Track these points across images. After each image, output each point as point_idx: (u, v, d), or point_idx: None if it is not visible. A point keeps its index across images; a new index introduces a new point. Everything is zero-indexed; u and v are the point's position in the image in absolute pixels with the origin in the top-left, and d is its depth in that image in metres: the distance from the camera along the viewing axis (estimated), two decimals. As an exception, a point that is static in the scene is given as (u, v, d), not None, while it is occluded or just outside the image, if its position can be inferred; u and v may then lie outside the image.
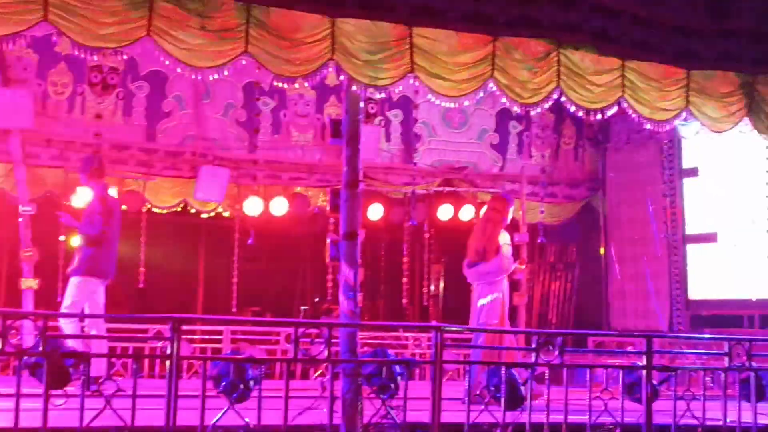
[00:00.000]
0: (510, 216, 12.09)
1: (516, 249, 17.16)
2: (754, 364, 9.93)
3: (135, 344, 13.53)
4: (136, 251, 15.91)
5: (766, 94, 10.14)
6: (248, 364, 7.86)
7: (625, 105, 9.55)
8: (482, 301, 11.90)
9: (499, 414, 8.46)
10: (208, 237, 18.86)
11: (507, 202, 12.16)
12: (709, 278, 13.75)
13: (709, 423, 9.33)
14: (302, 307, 19.65)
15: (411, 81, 8.70)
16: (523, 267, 12.24)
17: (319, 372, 14.02)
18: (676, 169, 17.63)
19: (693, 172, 17.44)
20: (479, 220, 12.89)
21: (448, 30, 8.64)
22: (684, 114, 9.86)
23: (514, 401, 8.66)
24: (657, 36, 9.51)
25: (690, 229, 17.35)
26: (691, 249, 17.28)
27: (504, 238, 11.97)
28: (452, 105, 9.47)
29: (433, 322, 8.90)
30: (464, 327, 12.10)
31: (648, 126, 9.99)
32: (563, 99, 9.26)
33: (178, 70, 8.45)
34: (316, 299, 19.63)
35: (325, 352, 8.08)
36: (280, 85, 8.97)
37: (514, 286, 17.14)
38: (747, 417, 9.45)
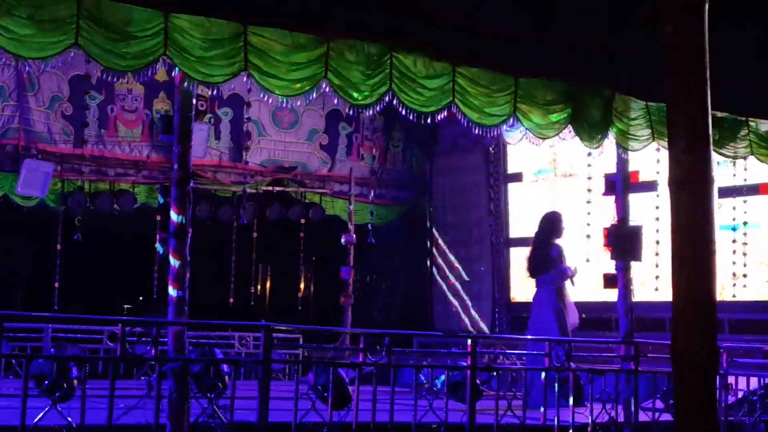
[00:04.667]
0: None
1: (345, 249, 17.35)
2: (572, 364, 10.26)
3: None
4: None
5: (588, 103, 10.46)
6: (72, 363, 7.72)
7: (455, 109, 9.70)
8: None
9: (326, 413, 8.51)
10: (30, 232, 18.32)
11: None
12: (530, 281, 14.09)
13: (529, 422, 9.58)
14: (125, 306, 19.30)
15: (244, 79, 8.66)
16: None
17: (142, 371, 13.85)
18: (500, 174, 18.03)
19: (517, 177, 17.88)
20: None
21: (282, 29, 8.63)
22: (511, 120, 10.09)
23: (341, 401, 8.73)
24: (486, 44, 9.70)
25: (513, 232, 17.77)
26: (514, 252, 17.70)
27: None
28: (285, 104, 9.44)
29: (262, 322, 8.87)
30: (292, 326, 12.13)
31: (476, 131, 10.18)
32: (395, 102, 9.36)
33: (2, 59, 8.20)
34: (141, 297, 19.31)
35: (153, 351, 8.02)
36: (109, 79, 8.79)
37: (340, 286, 17.31)
38: (566, 416, 9.76)
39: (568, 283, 12.50)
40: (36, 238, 17.48)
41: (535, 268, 12.74)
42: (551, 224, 12.73)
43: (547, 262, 12.47)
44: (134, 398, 8.15)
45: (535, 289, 12.64)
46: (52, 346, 13.75)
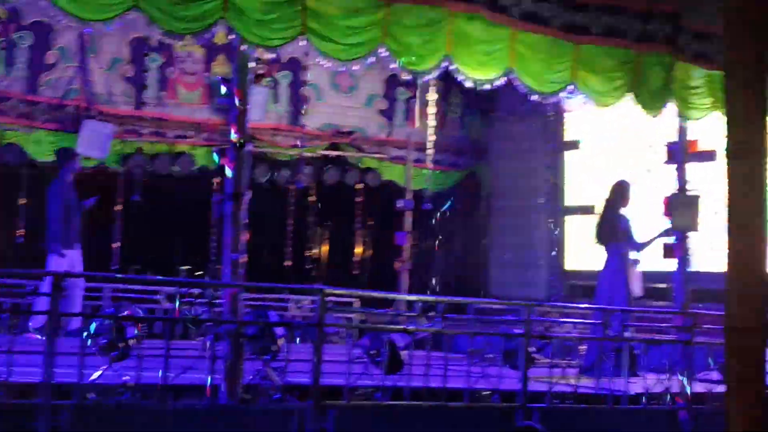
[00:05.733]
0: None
1: (401, 215, 17.34)
2: (627, 334, 10.21)
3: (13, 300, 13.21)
4: (15, 206, 15.61)
5: (649, 70, 10.34)
6: (129, 323, 7.80)
7: (513, 75, 9.64)
8: None
9: (379, 377, 8.54)
10: (90, 193, 18.49)
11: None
12: (586, 249, 14.02)
13: (581, 390, 9.56)
14: (183, 267, 19.45)
15: (301, 43, 8.66)
16: None
17: (198, 332, 13.95)
18: (558, 142, 17.90)
19: (574, 144, 17.73)
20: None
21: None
22: (570, 87, 10.00)
23: (395, 366, 8.75)
24: (546, 8, 9.62)
25: (570, 200, 17.66)
26: (570, 220, 17.61)
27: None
28: (343, 68, 9.44)
29: (317, 285, 8.89)
30: (347, 290, 12.15)
31: (534, 98, 10.11)
32: (452, 67, 9.32)
33: (64, 21, 8.25)
34: (197, 259, 19.47)
35: (208, 313, 8.09)
36: (168, 41, 8.83)
37: (395, 251, 17.32)
38: (619, 386, 9.71)
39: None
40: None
41: (603, 235, 12.58)
42: (620, 192, 12.55)
43: (616, 231, 12.33)
44: (190, 359, 8.20)
45: (606, 256, 12.46)
46: (110, 306, 13.92)
